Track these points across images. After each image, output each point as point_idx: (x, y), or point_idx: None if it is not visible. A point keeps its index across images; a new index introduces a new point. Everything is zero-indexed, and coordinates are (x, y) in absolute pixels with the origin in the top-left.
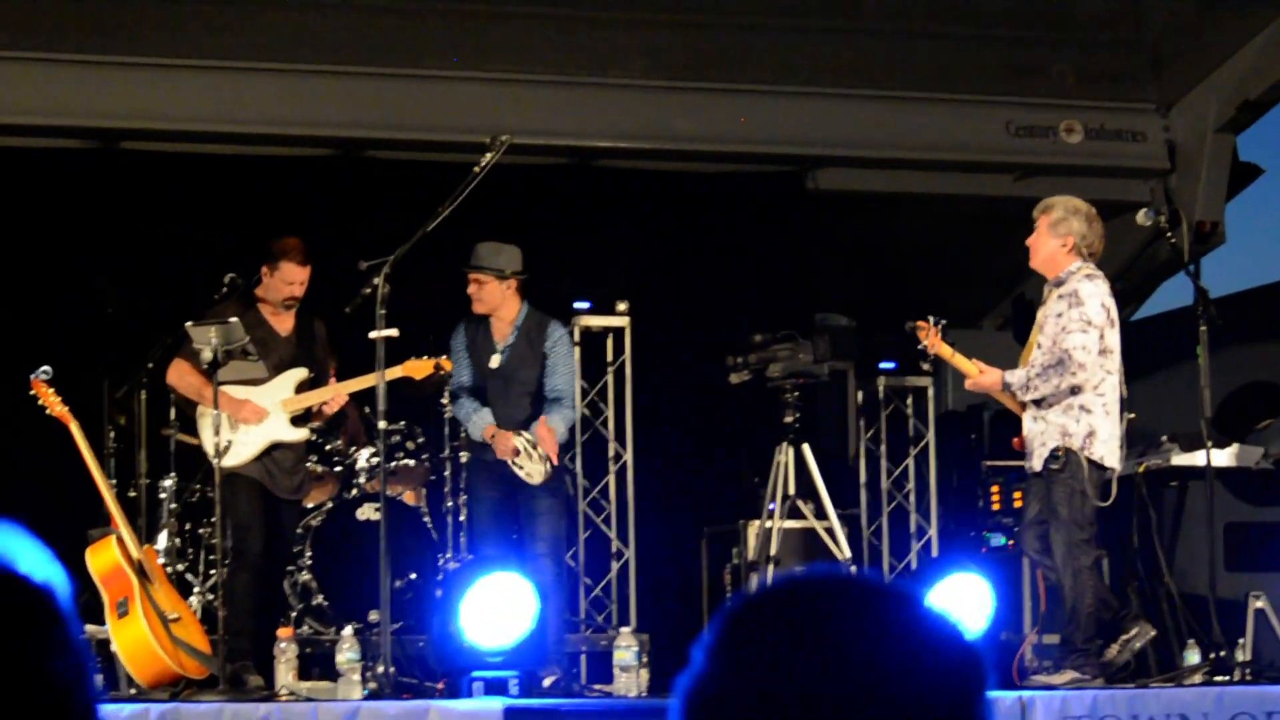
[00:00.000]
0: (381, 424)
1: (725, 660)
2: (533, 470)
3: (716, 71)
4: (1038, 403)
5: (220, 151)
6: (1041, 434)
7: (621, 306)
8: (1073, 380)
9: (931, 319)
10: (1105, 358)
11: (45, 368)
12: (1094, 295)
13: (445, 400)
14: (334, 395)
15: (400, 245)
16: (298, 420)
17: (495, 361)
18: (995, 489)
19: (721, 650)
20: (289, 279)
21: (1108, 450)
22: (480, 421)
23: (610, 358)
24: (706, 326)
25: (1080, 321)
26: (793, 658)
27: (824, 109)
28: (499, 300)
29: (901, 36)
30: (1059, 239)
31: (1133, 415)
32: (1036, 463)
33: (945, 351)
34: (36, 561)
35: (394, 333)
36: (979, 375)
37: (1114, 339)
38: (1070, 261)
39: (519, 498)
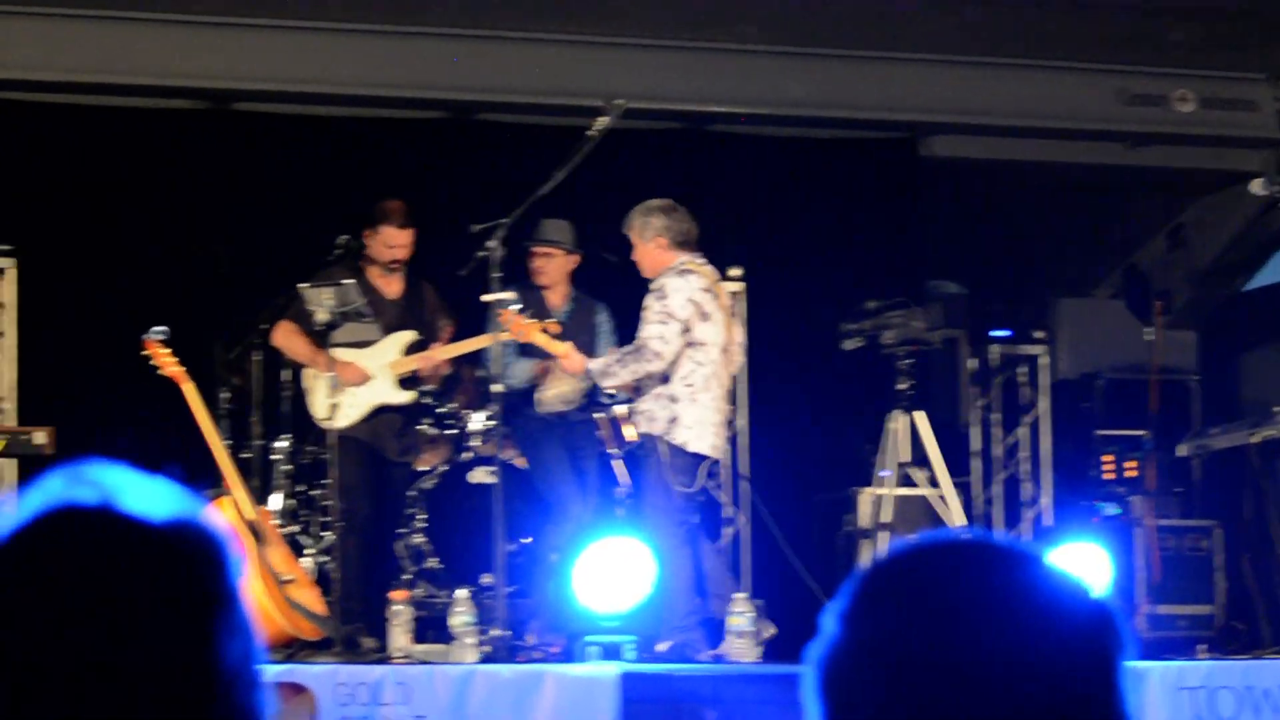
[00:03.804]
0: (496, 387)
1: (859, 626)
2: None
3: (830, 37)
4: (638, 390)
5: (333, 114)
6: (638, 419)
7: (735, 272)
8: (649, 368)
9: (512, 307)
10: (696, 349)
11: (160, 328)
12: (680, 290)
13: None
14: (440, 357)
15: (514, 209)
16: (405, 383)
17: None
18: (1108, 458)
19: (855, 617)
20: (389, 242)
21: (692, 435)
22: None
23: None
24: (820, 293)
25: (661, 313)
26: (928, 622)
27: (937, 75)
28: (562, 275)
29: (1015, 3)
30: (651, 242)
31: (730, 407)
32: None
33: (540, 339)
34: (208, 527)
35: (508, 295)
36: (565, 357)
37: (708, 332)
38: (672, 258)
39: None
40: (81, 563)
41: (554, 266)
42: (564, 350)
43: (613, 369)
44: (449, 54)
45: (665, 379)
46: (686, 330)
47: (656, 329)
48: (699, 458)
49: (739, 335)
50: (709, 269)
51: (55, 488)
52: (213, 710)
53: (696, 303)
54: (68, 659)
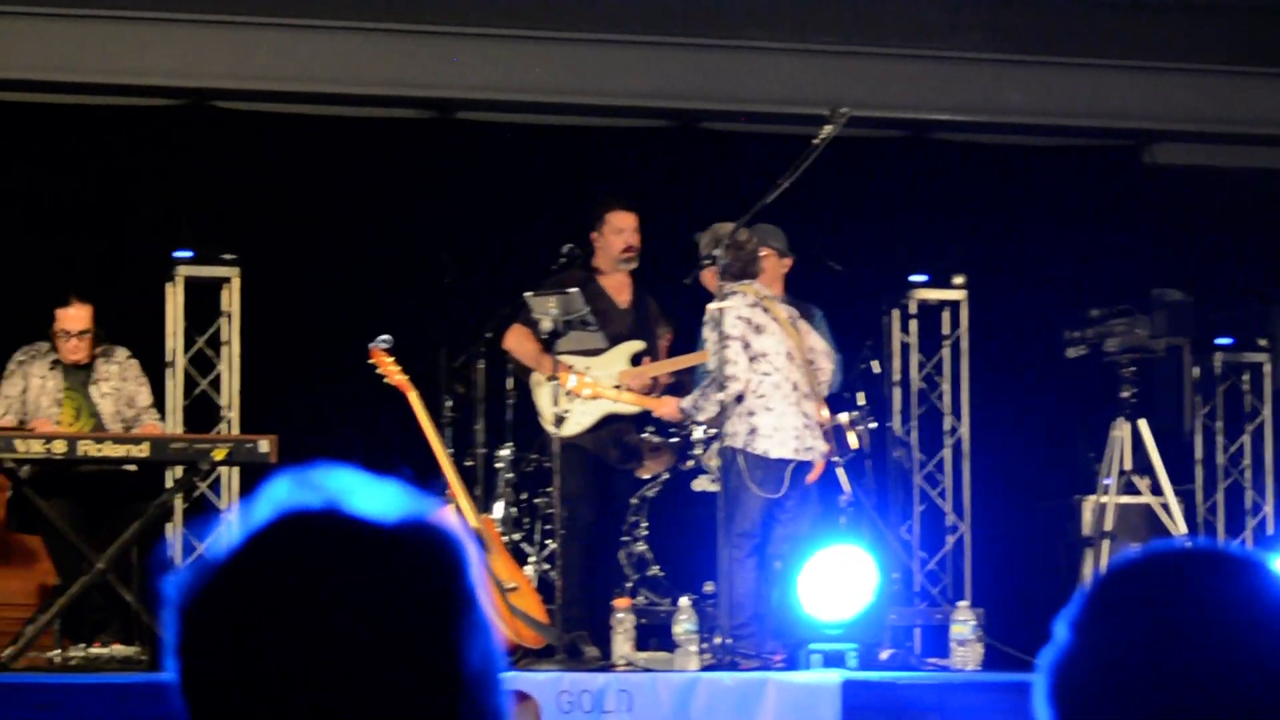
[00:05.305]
0: (718, 395)
1: (1092, 635)
2: None
3: (1054, 44)
4: (721, 418)
5: (558, 122)
6: (723, 439)
7: (958, 280)
8: (725, 395)
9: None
10: (758, 361)
11: (385, 336)
12: (727, 313)
13: None
14: (672, 368)
15: (737, 217)
16: None
17: None
18: None
19: (1087, 625)
20: (620, 226)
21: (772, 443)
22: None
23: (947, 331)
24: (1043, 301)
25: (718, 341)
26: (1161, 630)
27: (1162, 83)
28: (775, 277)
29: (1244, 11)
30: (709, 270)
31: (821, 411)
32: None
33: (610, 394)
34: (442, 527)
35: (732, 304)
36: (658, 407)
37: (765, 343)
38: (723, 287)
39: None
40: (310, 568)
41: (768, 269)
42: (648, 403)
43: (699, 404)
44: (674, 63)
45: (740, 399)
46: (747, 346)
47: (719, 356)
48: (782, 463)
49: (814, 342)
50: (754, 286)
51: (280, 494)
52: (458, 712)
53: (745, 318)
54: (309, 665)
